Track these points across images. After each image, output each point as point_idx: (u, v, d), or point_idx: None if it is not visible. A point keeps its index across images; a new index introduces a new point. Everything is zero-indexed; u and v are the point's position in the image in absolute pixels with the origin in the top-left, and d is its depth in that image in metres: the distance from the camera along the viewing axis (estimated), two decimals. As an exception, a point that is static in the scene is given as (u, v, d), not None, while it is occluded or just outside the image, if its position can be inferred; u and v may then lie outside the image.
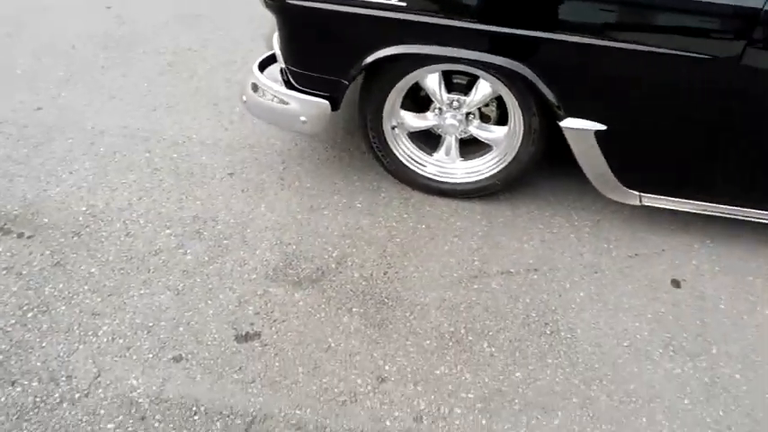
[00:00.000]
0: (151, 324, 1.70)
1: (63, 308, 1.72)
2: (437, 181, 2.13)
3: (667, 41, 1.61)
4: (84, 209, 2.02)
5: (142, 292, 1.78)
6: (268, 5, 1.82)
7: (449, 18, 1.68)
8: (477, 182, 2.10)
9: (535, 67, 1.71)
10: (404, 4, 1.66)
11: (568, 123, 1.78)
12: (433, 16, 1.69)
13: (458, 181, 2.12)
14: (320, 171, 2.25)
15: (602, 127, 1.76)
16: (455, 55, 1.74)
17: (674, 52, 1.60)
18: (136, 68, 2.71)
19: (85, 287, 1.78)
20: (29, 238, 1.92)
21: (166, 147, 2.29)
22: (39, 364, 1.58)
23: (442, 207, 2.12)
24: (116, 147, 2.28)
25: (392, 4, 1.67)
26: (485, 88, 1.90)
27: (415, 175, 2.13)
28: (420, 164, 2.13)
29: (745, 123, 1.72)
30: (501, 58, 1.71)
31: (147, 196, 2.09)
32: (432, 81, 1.93)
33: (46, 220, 1.97)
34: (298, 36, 1.86)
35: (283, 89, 1.96)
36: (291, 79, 1.95)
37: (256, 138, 2.37)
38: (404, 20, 1.69)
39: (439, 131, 2.09)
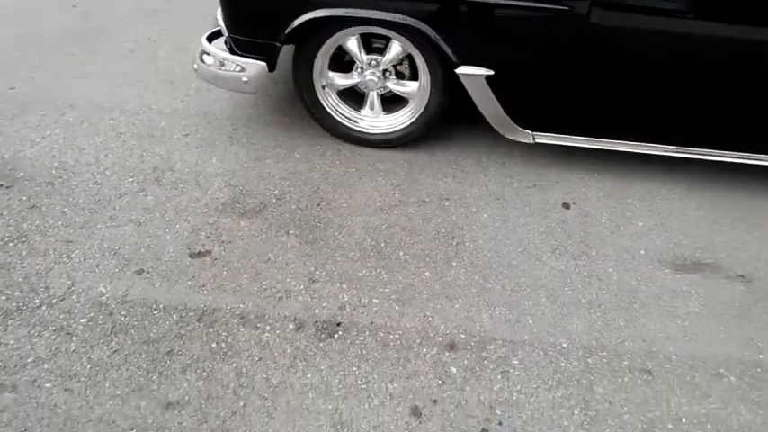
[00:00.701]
0: (117, 248, 2.00)
1: (39, 238, 2.01)
2: (364, 132, 2.48)
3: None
4: (56, 164, 2.32)
5: (109, 225, 2.08)
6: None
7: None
8: (397, 131, 2.45)
9: (433, 24, 2.08)
10: (320, -26, 2.03)
11: (462, 70, 2.15)
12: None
13: (382, 131, 2.47)
14: (265, 131, 2.58)
15: (491, 72, 2.13)
16: (366, 16, 2.11)
17: (538, 5, 1.99)
18: (101, 54, 3.02)
19: (59, 223, 2.08)
20: (7, 188, 2.20)
21: (129, 116, 2.60)
22: (20, 279, 1.87)
23: (370, 154, 2.47)
24: (84, 117, 2.58)
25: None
26: (396, 48, 2.27)
27: (344, 128, 2.48)
28: (349, 118, 2.48)
29: (599, 70, 2.11)
30: (405, 17, 2.08)
31: (112, 153, 2.40)
32: (352, 44, 2.29)
33: (22, 174, 2.27)
34: (236, 7, 2.21)
35: (227, 54, 2.30)
36: (234, 46, 2.30)
37: (209, 107, 2.69)
38: (322, -12, 2.06)
39: (363, 89, 2.44)
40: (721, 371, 1.73)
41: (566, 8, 1.97)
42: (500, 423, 1.55)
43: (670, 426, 1.56)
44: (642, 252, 2.11)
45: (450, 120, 2.52)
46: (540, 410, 1.58)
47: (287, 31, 2.16)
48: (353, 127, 2.49)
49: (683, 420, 1.58)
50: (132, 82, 2.81)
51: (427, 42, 2.15)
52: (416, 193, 2.30)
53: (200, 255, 2.00)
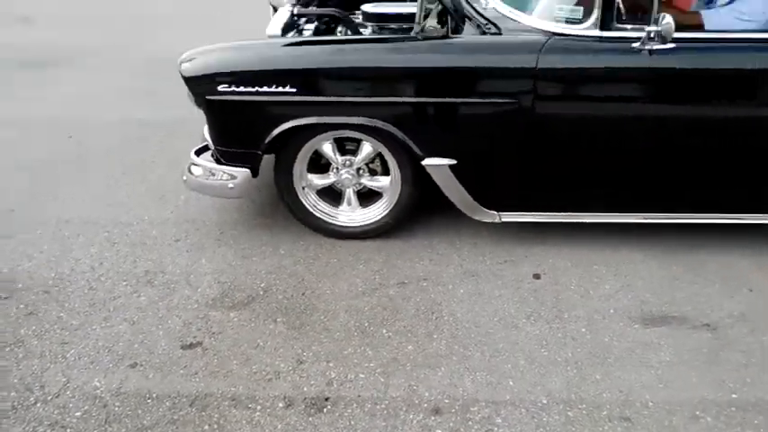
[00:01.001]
0: (111, 345, 2.08)
1: (35, 342, 2.09)
2: (343, 226, 2.67)
3: (484, 95, 2.30)
4: (52, 275, 2.44)
5: (103, 325, 2.18)
6: (197, 103, 2.45)
7: (321, 96, 2.34)
8: (374, 223, 2.64)
9: (397, 124, 2.34)
10: (294, 90, 2.32)
11: (428, 162, 2.39)
12: (314, 96, 2.34)
13: (360, 224, 2.66)
14: (251, 232, 2.75)
15: (454, 161, 2.38)
16: (338, 122, 2.38)
17: (490, 101, 2.28)
18: (95, 177, 3.24)
19: (55, 326, 2.16)
20: (5, 298, 2.31)
21: (122, 227, 2.77)
22: (15, 381, 1.93)
23: (350, 245, 2.64)
24: (79, 231, 2.74)
25: (286, 91, 2.32)
26: (367, 148, 2.52)
27: (325, 224, 2.67)
28: (328, 214, 2.67)
29: (547, 153, 2.36)
30: (374, 120, 2.34)
31: (107, 261, 2.53)
32: (327, 148, 2.54)
33: (20, 285, 2.38)
34: (220, 122, 2.48)
35: (215, 164, 2.54)
36: (220, 157, 2.54)
37: (198, 215, 2.87)
38: (295, 101, 2.34)
39: (339, 187, 2.66)
40: (697, 413, 1.80)
41: (514, 102, 2.26)
42: (489, 477, 1.58)
43: (653, 466, 1.61)
44: (612, 311, 2.24)
45: (422, 207, 2.72)
46: (527, 462, 1.62)
47: (267, 141, 2.41)
48: (333, 222, 2.68)
49: (665, 460, 1.63)
50: (124, 200, 3.02)
51: (394, 140, 2.40)
52: (395, 276, 2.45)
53: (191, 346, 2.08)
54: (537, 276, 2.45)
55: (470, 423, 1.76)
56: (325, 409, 1.82)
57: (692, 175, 2.40)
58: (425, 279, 2.43)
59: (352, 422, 1.78)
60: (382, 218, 2.64)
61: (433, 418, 1.79)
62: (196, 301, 2.30)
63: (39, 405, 1.83)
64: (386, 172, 2.60)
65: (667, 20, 2.06)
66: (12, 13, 6.80)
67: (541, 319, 2.21)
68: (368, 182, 2.62)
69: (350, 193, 2.65)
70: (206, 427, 1.76)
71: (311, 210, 2.67)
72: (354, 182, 2.61)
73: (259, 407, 1.83)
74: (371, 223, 2.65)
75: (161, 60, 4.43)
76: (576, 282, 2.41)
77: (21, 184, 3.18)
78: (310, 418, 1.79)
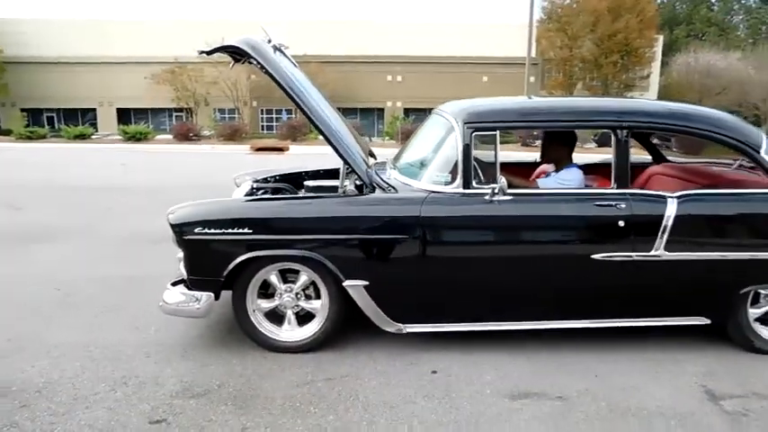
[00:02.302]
0: (92, 423, 2.61)
1: (29, 423, 2.61)
2: (285, 341, 3.35)
3: (385, 233, 3.21)
4: (42, 380, 2.99)
5: (85, 411, 2.71)
6: (177, 243, 3.28)
7: (270, 235, 3.21)
8: (309, 338, 3.35)
9: (324, 255, 3.20)
10: (251, 231, 3.19)
11: (347, 283, 3.20)
12: (265, 235, 3.21)
13: (297, 340, 3.35)
14: (209, 349, 3.38)
15: (366, 282, 3.20)
16: (281, 254, 3.22)
17: (386, 237, 3.19)
18: (76, 319, 3.87)
19: (45, 413, 2.69)
20: (1, 396, 2.83)
21: (102, 348, 3.37)
22: (14, 447, 2.43)
23: (290, 356, 3.30)
24: (65, 351, 3.33)
25: (242, 232, 3.18)
26: (303, 276, 3.33)
27: (270, 339, 3.35)
28: (273, 332, 3.37)
29: (437, 279, 3.23)
30: (309, 252, 3.19)
31: (88, 371, 3.10)
32: (273, 277, 3.34)
33: (14, 388, 2.91)
34: (194, 256, 3.27)
35: (186, 290, 3.28)
36: (190, 284, 3.29)
37: (165, 339, 3.51)
38: (251, 240, 3.20)
39: (282, 309, 3.40)
40: (539, 446, 2.44)
41: (406, 237, 3.17)
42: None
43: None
44: (488, 392, 2.92)
45: (346, 325, 3.46)
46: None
47: (229, 269, 3.21)
48: (277, 338, 3.36)
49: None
50: (105, 330, 3.64)
51: (323, 268, 3.23)
52: (323, 374, 3.10)
53: (158, 422, 2.64)
54: (434, 372, 3.15)
55: (371, 457, 2.35)
56: (262, 456, 2.38)
57: (535, 292, 3.29)
58: (347, 376, 3.09)
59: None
60: (316, 333, 3.35)
61: (343, 456, 2.37)
62: (162, 394, 2.87)
63: (34, 460, 2.33)
64: (318, 297, 3.39)
65: (503, 180, 3.10)
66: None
67: (434, 398, 2.87)
68: (304, 304, 3.38)
69: (290, 314, 3.39)
70: (168, 467, 2.29)
71: (260, 328, 3.37)
72: (293, 304, 3.37)
73: (210, 456, 2.38)
74: (308, 338, 3.36)
75: (129, 237, 5.29)
76: (465, 374, 3.11)
77: (15, 319, 3.79)
78: (250, 461, 2.34)
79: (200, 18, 42.55)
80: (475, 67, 42.10)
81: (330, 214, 3.26)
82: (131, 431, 2.56)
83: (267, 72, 3.32)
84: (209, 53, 3.52)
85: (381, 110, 43.67)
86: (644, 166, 4.32)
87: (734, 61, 46.12)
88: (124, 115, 43.13)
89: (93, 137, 27.09)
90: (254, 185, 4.13)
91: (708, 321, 3.37)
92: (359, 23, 44.29)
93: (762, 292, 3.40)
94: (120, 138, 25.39)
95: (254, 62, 3.37)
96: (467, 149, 3.21)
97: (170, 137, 27.86)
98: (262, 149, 20.19)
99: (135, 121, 39.59)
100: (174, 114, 44.11)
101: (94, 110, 43.84)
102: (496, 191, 3.14)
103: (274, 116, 42.34)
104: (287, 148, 20.42)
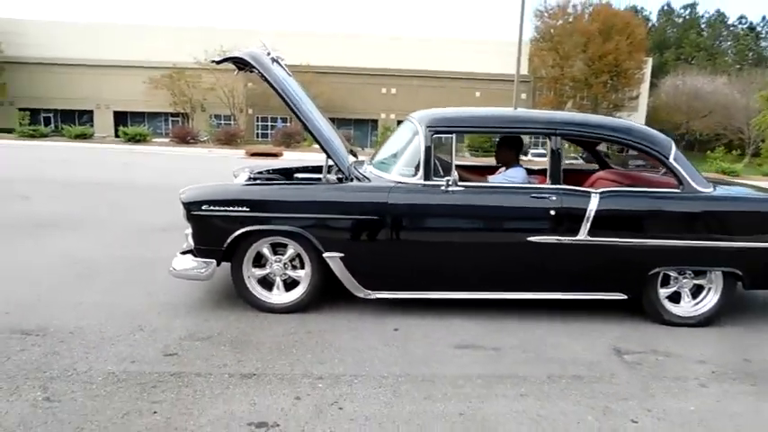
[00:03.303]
0: (118, 353, 3.27)
1: (65, 347, 3.26)
2: (274, 304, 4.03)
3: (359, 214, 3.90)
4: (72, 326, 3.65)
5: (113, 344, 3.37)
6: (187, 217, 3.96)
7: (264, 213, 3.89)
8: (295, 301, 4.03)
9: (309, 230, 3.88)
10: (247, 209, 3.88)
11: (326, 255, 3.89)
12: (259, 213, 3.90)
13: (285, 302, 4.03)
14: (210, 308, 4.05)
15: (342, 254, 3.89)
16: (272, 228, 3.90)
17: (360, 217, 3.88)
18: (97, 284, 4.54)
19: (79, 346, 3.35)
20: (38, 335, 3.48)
21: (121, 307, 4.04)
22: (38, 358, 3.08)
23: (278, 315, 3.97)
24: (91, 312, 3.99)
25: (241, 210, 3.87)
26: (291, 249, 4.01)
27: (261, 302, 4.03)
28: (265, 296, 4.05)
29: (403, 252, 3.92)
30: (295, 227, 3.88)
31: (112, 320, 3.77)
32: (266, 249, 4.02)
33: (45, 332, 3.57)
34: (200, 229, 3.95)
35: (194, 257, 3.96)
36: (197, 253, 3.97)
37: (172, 300, 4.18)
38: (248, 216, 3.88)
39: (272, 277, 4.08)
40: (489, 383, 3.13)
41: (376, 219, 3.87)
42: None
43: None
44: (440, 342, 3.61)
45: (326, 292, 4.14)
46: None
47: (227, 242, 3.89)
48: (268, 301, 4.04)
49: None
50: (119, 295, 4.32)
51: (307, 242, 3.92)
52: (305, 328, 3.77)
53: (170, 354, 3.30)
54: (396, 329, 3.83)
55: (339, 383, 3.03)
56: (253, 378, 3.05)
57: (481, 267, 3.99)
58: (324, 330, 3.76)
59: (270, 386, 3.00)
60: (300, 297, 4.03)
61: (319, 382, 3.05)
62: (173, 338, 3.54)
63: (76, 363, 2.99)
64: (302, 267, 4.07)
65: (455, 174, 3.82)
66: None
67: (394, 347, 3.55)
68: (291, 273, 4.07)
69: (279, 282, 4.07)
70: (177, 390, 2.95)
71: (253, 292, 4.05)
72: (282, 273, 4.05)
73: (212, 378, 3.04)
74: (293, 301, 4.04)
75: (138, 227, 5.96)
76: (421, 331, 3.80)
77: (40, 285, 4.44)
78: (244, 381, 3.01)
79: (199, 25, 43.44)
80: (468, 83, 43.09)
81: (314, 198, 3.96)
82: (150, 360, 3.22)
83: (267, 81, 4.02)
84: (218, 62, 4.22)
85: (375, 121, 44.49)
86: (593, 171, 5.06)
87: (720, 85, 47.43)
88: (121, 118, 43.79)
89: (93, 136, 27.63)
90: (252, 176, 4.83)
91: (625, 296, 4.08)
92: (356, 36, 45.28)
93: (671, 274, 4.13)
94: (120, 139, 25.98)
95: (256, 72, 4.07)
96: (428, 148, 3.93)
97: (167, 140, 28.49)
98: (256, 154, 20.89)
99: (131, 125, 40.28)
100: (171, 119, 44.78)
101: (91, 112, 44.43)
102: (450, 182, 3.85)
103: (269, 124, 43.09)
104: (281, 154, 21.13)
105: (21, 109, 41.38)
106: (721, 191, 4.28)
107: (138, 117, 44.18)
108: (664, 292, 4.13)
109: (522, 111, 4.63)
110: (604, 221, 3.91)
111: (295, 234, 3.92)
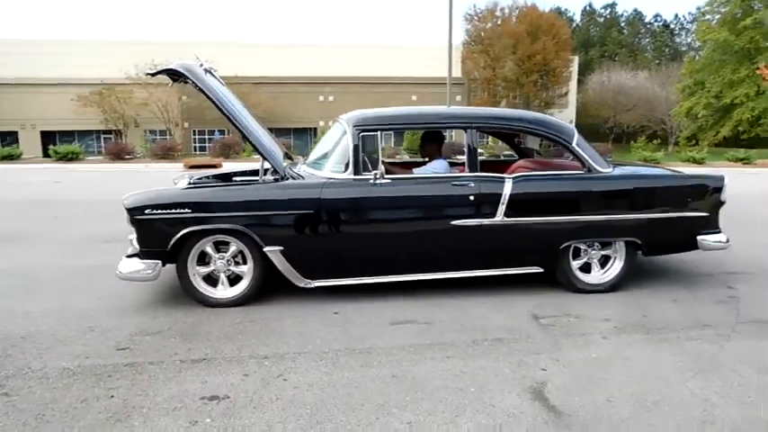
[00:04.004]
0: (70, 350, 3.44)
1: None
2: (218, 299, 4.27)
3: (296, 209, 4.20)
4: (23, 331, 3.78)
5: (67, 342, 3.54)
6: (131, 222, 4.14)
7: (205, 213, 4.14)
8: (239, 294, 4.28)
9: (250, 228, 4.15)
10: (190, 210, 4.11)
11: (267, 249, 4.17)
12: (201, 213, 4.13)
13: (229, 297, 4.28)
14: (158, 305, 4.25)
15: (281, 247, 4.18)
16: (213, 227, 4.14)
17: (295, 212, 4.19)
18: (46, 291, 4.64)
19: (29, 342, 3.50)
20: (-5, 341, 3.61)
21: (75, 309, 4.18)
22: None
23: (226, 310, 4.21)
24: (40, 296, 4.11)
25: (183, 212, 4.10)
26: (233, 246, 4.27)
27: (206, 297, 4.26)
28: (210, 292, 4.28)
29: (337, 243, 4.25)
30: (236, 225, 4.14)
31: (64, 321, 3.91)
32: (209, 248, 4.26)
33: None
34: (144, 232, 4.15)
35: (139, 259, 4.15)
36: (142, 255, 4.17)
37: (119, 303, 4.35)
38: (190, 217, 4.11)
39: (216, 274, 4.32)
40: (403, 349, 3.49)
41: (311, 212, 4.18)
42: None
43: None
44: (377, 321, 3.95)
45: (269, 284, 4.41)
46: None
47: (171, 243, 4.11)
48: (213, 296, 4.28)
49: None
50: (69, 301, 4.45)
51: (248, 238, 4.19)
52: (249, 318, 4.03)
53: (122, 348, 3.50)
54: (336, 313, 4.15)
55: (283, 360, 3.32)
56: (203, 362, 3.30)
57: (411, 251, 4.37)
58: (268, 318, 4.04)
59: (219, 367, 3.26)
60: (244, 291, 4.29)
61: (265, 361, 3.33)
62: (124, 335, 3.73)
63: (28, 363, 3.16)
64: (245, 263, 4.33)
65: (381, 168, 4.18)
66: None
67: (334, 327, 3.87)
68: (234, 269, 4.32)
69: (223, 277, 4.32)
70: (132, 377, 3.17)
71: (199, 289, 4.27)
72: (225, 269, 4.30)
73: (164, 365, 3.27)
74: (238, 295, 4.29)
75: (80, 238, 6.04)
76: (358, 312, 4.13)
77: (-14, 299, 4.52)
78: (195, 365, 3.25)
79: (129, 39, 42.47)
80: (404, 87, 43.86)
81: (252, 197, 4.24)
82: (103, 355, 3.41)
83: (202, 91, 4.26)
84: (153, 74, 4.43)
85: (315, 129, 44.62)
86: (514, 160, 5.53)
87: (642, 80, 50.19)
88: (49, 138, 42.14)
89: (21, 157, 26.60)
90: (191, 181, 5.04)
91: (541, 270, 4.55)
92: (291, 46, 45.39)
93: (581, 247, 4.63)
94: (51, 158, 25.14)
95: (191, 83, 4.31)
96: (356, 146, 4.28)
97: (100, 158, 27.76)
98: (195, 167, 20.71)
99: (61, 144, 38.81)
100: (103, 136, 43.45)
101: (16, 132, 42.58)
102: (377, 176, 4.21)
103: (207, 137, 42.50)
104: (220, 165, 21.01)
105: (-66, 132, 39.28)
106: (619, 170, 4.82)
107: (68, 136, 42.61)
108: (576, 264, 4.63)
109: (444, 107, 5.05)
110: (518, 203, 4.36)
111: (236, 232, 4.18)
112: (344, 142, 4.38)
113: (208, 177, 5.39)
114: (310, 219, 4.20)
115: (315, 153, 4.90)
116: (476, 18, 46.76)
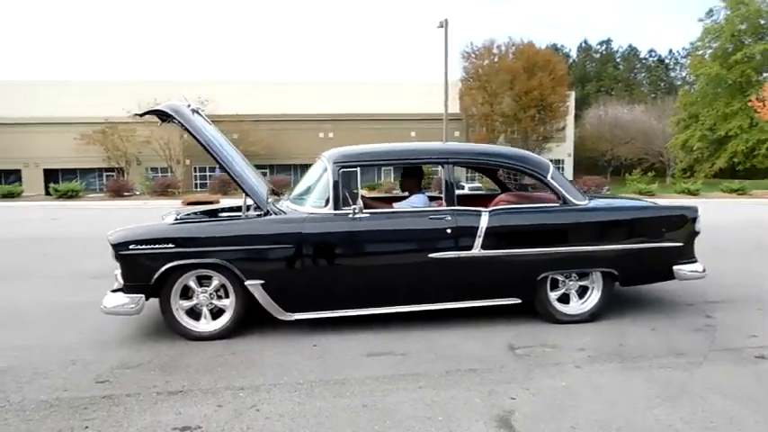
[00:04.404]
0: (51, 383, 3.51)
1: None
2: (201, 332, 4.34)
3: (277, 243, 4.31)
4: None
5: (46, 382, 3.60)
6: (115, 257, 4.25)
7: (188, 248, 4.24)
8: (221, 328, 4.35)
9: (231, 262, 4.26)
10: (173, 246, 4.22)
11: (248, 283, 4.26)
12: (184, 249, 4.24)
13: (211, 331, 4.35)
14: (142, 339, 4.32)
15: (262, 281, 4.27)
16: (195, 262, 4.25)
17: (274, 246, 4.29)
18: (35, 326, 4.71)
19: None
20: (-22, 376, 3.67)
21: (63, 348, 4.25)
22: (-7, 401, 3.29)
23: (207, 343, 4.28)
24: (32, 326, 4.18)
25: (166, 247, 4.21)
26: (215, 281, 4.36)
27: (189, 331, 4.33)
28: (193, 326, 4.35)
29: (316, 277, 4.35)
30: (219, 260, 4.24)
31: (63, 358, 3.98)
32: (192, 283, 4.35)
33: (-13, 370, 3.76)
34: (126, 266, 4.25)
35: (123, 294, 4.24)
36: (126, 290, 4.26)
37: (101, 337, 4.42)
38: (173, 252, 4.22)
39: (199, 308, 4.40)
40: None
41: (292, 247, 4.29)
42: None
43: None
44: (352, 353, 4.00)
45: (251, 317, 4.48)
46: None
47: (155, 277, 4.21)
48: (195, 330, 4.35)
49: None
50: (53, 335, 4.51)
51: (230, 272, 4.28)
52: (230, 350, 4.10)
53: (102, 382, 3.56)
54: (315, 345, 4.21)
55: (258, 391, 3.38)
56: (179, 393, 3.36)
57: (390, 284, 4.45)
58: (248, 351, 4.10)
59: (195, 399, 3.32)
60: (226, 324, 4.37)
61: (240, 392, 3.38)
62: (105, 368, 3.79)
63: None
64: (227, 296, 4.41)
65: (359, 203, 4.31)
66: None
67: (312, 359, 3.92)
68: (217, 302, 4.41)
69: (206, 311, 4.40)
70: (108, 409, 3.23)
71: (182, 323, 4.35)
72: (208, 303, 4.38)
73: (141, 397, 3.33)
74: (220, 328, 4.37)
75: (70, 275, 6.14)
76: (337, 345, 4.19)
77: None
78: (171, 397, 3.31)
79: (131, 79, 43.37)
80: (403, 123, 44.53)
81: (234, 232, 4.35)
82: (83, 388, 3.47)
83: (187, 130, 4.43)
84: (141, 115, 4.61)
85: (314, 165, 44.94)
86: (496, 194, 5.66)
87: (639, 113, 50.87)
88: (51, 176, 42.59)
89: (22, 195, 26.90)
90: (178, 217, 5.16)
91: (519, 300, 4.62)
92: (289, 84, 46.25)
93: (558, 278, 4.71)
94: (51, 196, 25.41)
95: (176, 122, 4.48)
96: (336, 182, 4.41)
97: (102, 195, 28.04)
98: (194, 203, 20.92)
99: (63, 181, 39.27)
100: (105, 174, 43.91)
101: (19, 171, 43.08)
102: (356, 211, 4.33)
103: (208, 174, 42.92)
104: (218, 201, 21.21)
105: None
106: (595, 203, 4.93)
107: (71, 174, 43.09)
108: (554, 295, 4.70)
109: (421, 144, 5.20)
110: (494, 236, 4.46)
111: (218, 266, 4.28)
112: (325, 178, 4.52)
113: (195, 213, 5.51)
114: (291, 253, 4.30)
115: (297, 189, 5.04)
116: (473, 55, 47.68)
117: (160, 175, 40.93)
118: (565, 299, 4.76)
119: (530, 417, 3.04)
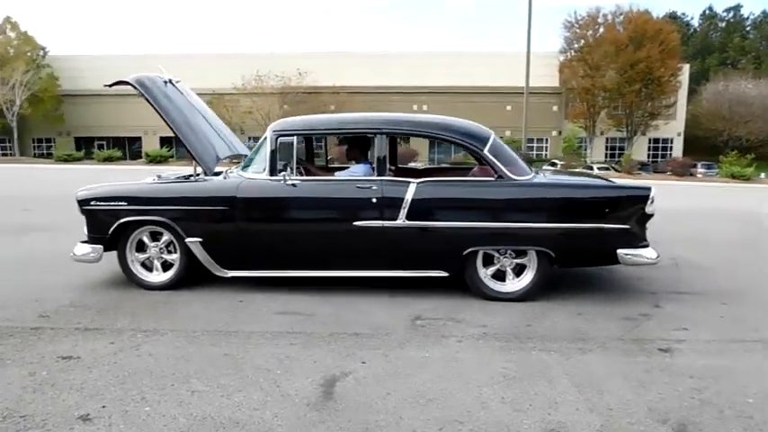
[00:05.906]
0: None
1: None
2: (153, 282, 4.87)
3: (213, 204, 4.70)
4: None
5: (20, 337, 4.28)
6: (81, 212, 4.86)
7: (139, 206, 4.75)
8: (171, 278, 4.85)
9: (174, 221, 4.71)
10: (125, 203, 4.74)
11: (188, 240, 4.70)
12: (135, 206, 4.75)
13: (162, 280, 4.86)
14: (104, 281, 4.92)
15: (200, 239, 4.69)
16: (145, 219, 4.74)
17: (210, 208, 4.68)
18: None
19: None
20: (-44, 303, 4.43)
21: (52, 289, 4.97)
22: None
23: (152, 293, 4.79)
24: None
25: (120, 204, 4.74)
26: (165, 236, 4.85)
27: (142, 280, 4.87)
28: (145, 276, 4.89)
29: (248, 238, 4.69)
30: (164, 218, 4.71)
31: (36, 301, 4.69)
32: (146, 237, 4.87)
33: (-34, 299, 4.52)
34: (90, 221, 4.85)
35: (87, 244, 4.85)
36: (89, 240, 4.86)
37: (77, 285, 5.08)
38: (126, 209, 4.75)
39: (151, 260, 4.92)
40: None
41: (227, 208, 4.66)
42: None
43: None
44: (266, 310, 4.33)
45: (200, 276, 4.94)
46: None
47: (110, 231, 4.76)
48: (147, 280, 4.89)
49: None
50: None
51: (174, 230, 4.75)
52: (170, 298, 4.57)
53: (45, 317, 4.17)
54: (241, 301, 4.57)
55: (154, 335, 3.81)
56: (92, 331, 3.87)
57: (317, 249, 4.69)
58: (181, 302, 4.55)
59: (99, 336, 3.81)
60: (173, 276, 4.86)
61: (138, 334, 3.83)
62: (56, 305, 4.41)
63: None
64: (176, 251, 4.88)
65: (290, 169, 4.57)
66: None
67: (226, 312, 4.30)
68: (166, 256, 4.90)
69: (157, 264, 4.91)
70: (22, 338, 3.80)
71: (136, 273, 4.90)
72: (158, 256, 4.89)
73: (60, 331, 3.87)
74: (168, 279, 4.87)
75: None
76: (259, 302, 4.53)
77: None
78: (82, 333, 3.83)
79: (236, 52, 45.82)
80: (499, 97, 43.45)
81: (176, 193, 4.81)
82: (26, 320, 4.09)
83: (147, 100, 4.91)
84: (110, 86, 5.16)
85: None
86: (472, 167, 5.66)
87: (765, 89, 45.79)
88: (167, 142, 46.37)
89: (119, 160, 29.96)
90: (156, 180, 5.72)
91: (446, 274, 4.69)
92: (386, 55, 46.52)
93: (493, 254, 4.70)
94: (143, 160, 28.06)
95: (138, 93, 4.97)
96: (273, 150, 4.70)
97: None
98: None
99: (177, 148, 42.73)
100: (214, 141, 46.95)
101: (140, 138, 47.30)
102: (286, 177, 4.60)
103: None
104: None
105: (77, 138, 44.64)
106: (539, 179, 4.82)
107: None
108: (487, 271, 4.71)
109: (357, 114, 5.30)
110: (420, 208, 4.55)
111: (164, 224, 4.76)
112: (265, 146, 4.82)
113: (177, 177, 6.04)
114: (226, 214, 4.68)
115: (249, 156, 5.39)
116: (576, 25, 45.25)
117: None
118: (501, 276, 4.75)
119: (358, 381, 3.17)
